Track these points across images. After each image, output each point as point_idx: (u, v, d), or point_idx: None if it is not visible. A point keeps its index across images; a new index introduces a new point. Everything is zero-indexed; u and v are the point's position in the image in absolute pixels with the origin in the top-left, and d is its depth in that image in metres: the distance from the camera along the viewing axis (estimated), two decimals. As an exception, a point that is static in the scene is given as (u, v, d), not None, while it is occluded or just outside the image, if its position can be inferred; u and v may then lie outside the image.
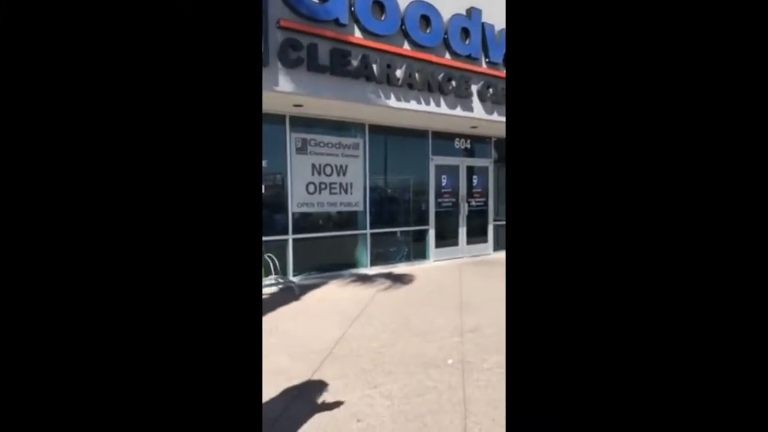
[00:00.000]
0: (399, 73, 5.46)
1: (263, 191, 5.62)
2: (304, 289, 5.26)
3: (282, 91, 4.64)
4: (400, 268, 6.67)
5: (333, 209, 6.25)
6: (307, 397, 2.58)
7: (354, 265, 6.48)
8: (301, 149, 5.86)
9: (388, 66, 5.34)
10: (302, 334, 3.68)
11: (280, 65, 4.58)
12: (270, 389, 2.65)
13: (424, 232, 7.20)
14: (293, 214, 5.85)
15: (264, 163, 5.61)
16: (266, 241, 5.54)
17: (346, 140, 6.24)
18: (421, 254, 7.15)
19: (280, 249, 5.69)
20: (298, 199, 5.87)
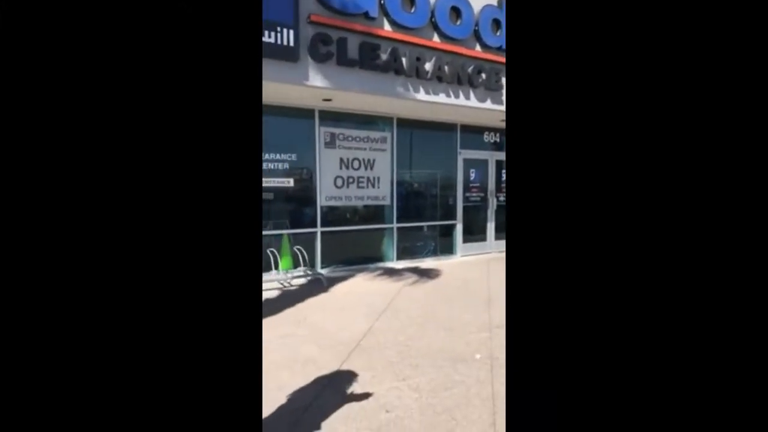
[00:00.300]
0: (428, 66, 5.41)
1: (291, 185, 5.71)
2: (332, 282, 5.32)
3: (312, 85, 4.69)
4: (426, 263, 6.66)
5: (360, 203, 6.28)
6: (336, 386, 2.62)
7: (380, 259, 6.51)
8: (330, 143, 5.91)
9: (418, 59, 5.31)
10: (330, 326, 3.74)
11: (310, 60, 4.62)
12: (300, 378, 2.71)
13: (452, 227, 7.15)
14: (321, 207, 5.92)
15: (293, 157, 5.70)
16: (295, 234, 5.64)
17: (374, 134, 6.25)
18: (448, 249, 7.11)
19: (308, 242, 5.78)
20: (326, 193, 5.94)
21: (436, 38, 5.52)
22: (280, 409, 2.35)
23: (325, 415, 2.27)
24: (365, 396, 2.45)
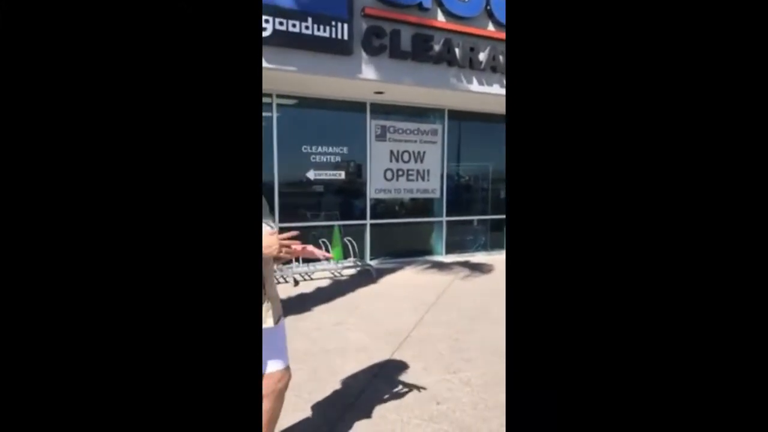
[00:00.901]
0: (482, 56, 5.29)
1: (342, 177, 5.81)
2: (381, 273, 5.38)
3: (364, 78, 4.73)
4: (477, 257, 6.56)
5: (409, 196, 6.29)
6: (387, 375, 2.66)
7: (429, 252, 6.49)
8: (380, 136, 5.95)
9: (471, 49, 5.20)
10: (380, 316, 3.79)
11: (363, 53, 4.66)
12: (352, 365, 2.78)
13: (503, 222, 6.98)
14: (371, 199, 5.99)
15: (344, 150, 5.79)
16: (345, 226, 5.75)
17: (425, 126, 6.21)
18: (499, 244, 6.96)
19: (358, 233, 5.87)
20: (375, 185, 5.99)
21: (491, 27, 5.37)
22: (334, 394, 2.42)
23: (377, 402, 2.31)
24: (416, 387, 2.46)
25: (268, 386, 1.68)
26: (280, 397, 1.72)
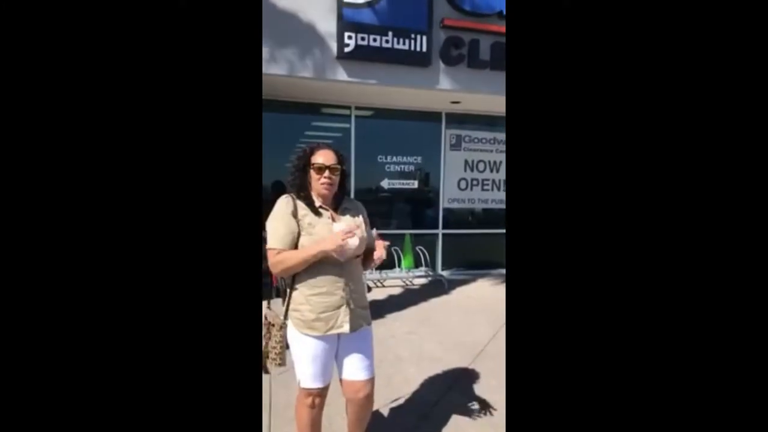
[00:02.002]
0: (565, 62, 5.07)
1: (415, 186, 5.85)
2: (453, 284, 5.32)
3: (442, 89, 4.75)
4: (553, 272, 6.23)
5: (484, 206, 6.16)
6: (462, 388, 2.62)
7: (503, 265, 6.29)
8: (455, 145, 5.92)
9: (553, 56, 5.00)
10: (453, 328, 3.75)
11: (441, 64, 4.69)
12: (426, 375, 2.78)
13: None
14: (443, 209, 5.96)
15: (418, 159, 5.84)
16: (417, 235, 5.77)
17: (501, 135, 6.07)
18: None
19: (430, 243, 5.87)
20: (449, 195, 5.96)
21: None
22: (409, 402, 2.44)
23: (452, 414, 2.29)
24: (491, 402, 2.40)
25: (346, 393, 1.66)
26: (360, 406, 1.65)
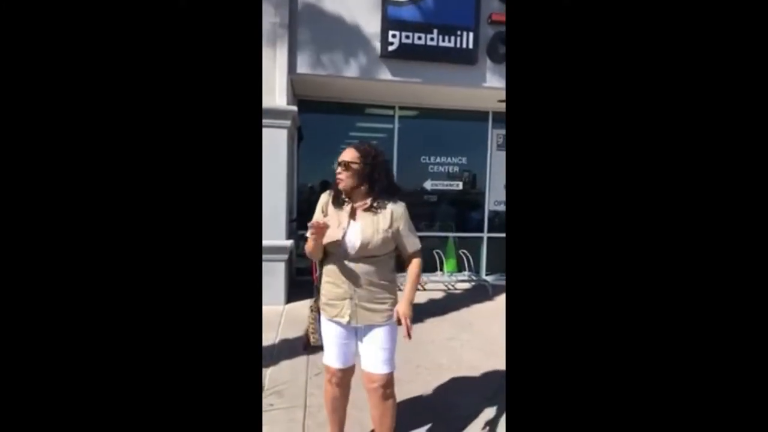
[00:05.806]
0: (624, 56, 4.74)
1: (460, 188, 5.69)
2: (497, 290, 5.11)
3: (489, 87, 4.59)
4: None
5: (532, 209, 5.89)
6: (501, 401, 2.48)
7: (552, 271, 5.98)
8: (502, 146, 5.70)
9: (611, 50, 4.69)
10: (496, 335, 3.58)
11: (488, 61, 4.53)
12: (465, 384, 2.66)
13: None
14: (489, 212, 5.76)
15: (463, 160, 5.68)
16: (461, 238, 5.62)
17: (552, 136, 5.78)
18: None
19: (474, 246, 5.69)
20: (495, 197, 5.75)
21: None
22: (446, 412, 2.33)
23: (489, 428, 2.16)
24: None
25: (364, 383, 1.73)
26: (376, 398, 1.70)
